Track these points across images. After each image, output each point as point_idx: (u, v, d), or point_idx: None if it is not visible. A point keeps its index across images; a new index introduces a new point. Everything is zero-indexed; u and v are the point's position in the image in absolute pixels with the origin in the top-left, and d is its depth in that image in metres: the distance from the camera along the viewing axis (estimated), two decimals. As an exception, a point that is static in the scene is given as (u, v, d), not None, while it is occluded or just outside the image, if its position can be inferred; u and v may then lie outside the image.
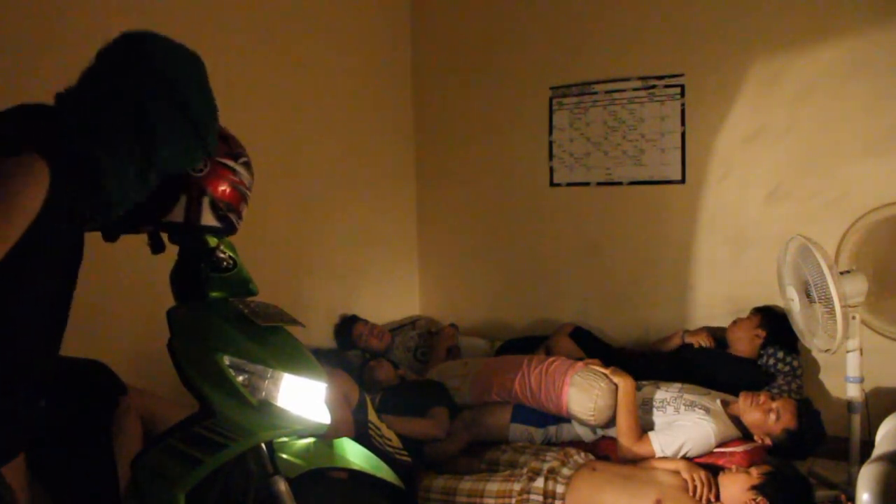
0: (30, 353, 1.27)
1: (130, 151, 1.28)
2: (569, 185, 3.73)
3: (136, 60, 1.31)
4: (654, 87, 3.47)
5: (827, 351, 2.59)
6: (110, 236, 1.41)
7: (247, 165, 1.60)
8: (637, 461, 2.45)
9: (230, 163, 1.55)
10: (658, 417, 2.56)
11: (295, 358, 1.59)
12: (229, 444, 1.47)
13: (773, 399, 2.48)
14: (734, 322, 3.15)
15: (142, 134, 1.28)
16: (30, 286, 1.22)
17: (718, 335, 3.21)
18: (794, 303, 2.68)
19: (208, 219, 1.53)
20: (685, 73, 3.39)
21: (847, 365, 2.65)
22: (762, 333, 3.05)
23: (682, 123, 3.42)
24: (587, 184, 3.68)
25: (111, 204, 1.30)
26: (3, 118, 1.26)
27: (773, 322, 3.03)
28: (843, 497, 2.51)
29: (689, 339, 3.21)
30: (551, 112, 3.74)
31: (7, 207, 1.10)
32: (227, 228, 1.60)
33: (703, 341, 3.16)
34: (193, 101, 1.35)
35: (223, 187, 1.54)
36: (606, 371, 2.64)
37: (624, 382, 2.57)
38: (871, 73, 3.01)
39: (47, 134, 1.22)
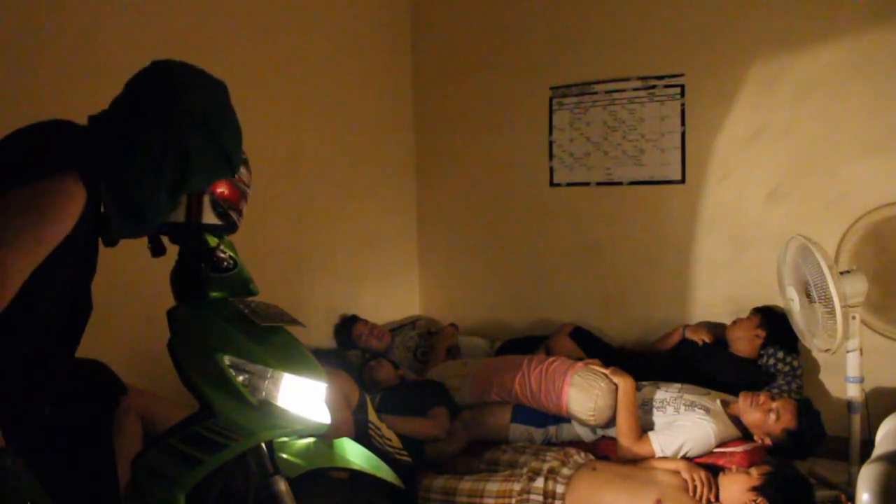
0: (44, 359, 1.29)
1: (166, 178, 1.32)
2: (569, 185, 3.73)
3: (169, 90, 1.33)
4: (654, 87, 3.47)
5: (827, 351, 2.59)
6: (110, 241, 1.42)
7: (245, 163, 1.60)
8: (637, 461, 2.45)
9: None
10: (658, 417, 2.56)
11: (295, 358, 1.59)
12: (229, 444, 1.47)
13: (773, 399, 2.48)
14: (734, 322, 3.16)
15: (178, 163, 1.32)
16: (49, 299, 1.25)
17: (718, 333, 3.22)
18: (794, 303, 2.68)
19: (209, 217, 1.54)
20: (685, 73, 3.39)
21: (847, 365, 2.65)
22: (762, 333, 3.05)
23: (682, 123, 3.42)
24: (587, 184, 3.68)
25: (143, 225, 1.35)
26: (38, 135, 1.29)
27: (773, 322, 3.03)
28: (843, 497, 2.51)
29: (689, 335, 3.21)
30: (551, 112, 3.74)
31: (44, 228, 1.14)
32: (229, 226, 1.60)
33: (704, 337, 3.16)
34: (222, 128, 1.39)
35: (223, 185, 1.54)
36: (606, 371, 2.64)
37: (624, 382, 2.57)
38: (871, 73, 3.01)
39: (85, 157, 1.25)
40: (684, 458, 2.42)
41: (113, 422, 1.58)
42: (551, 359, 2.85)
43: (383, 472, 1.89)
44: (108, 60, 2.28)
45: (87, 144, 1.28)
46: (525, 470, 2.35)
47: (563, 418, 2.73)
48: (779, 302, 2.93)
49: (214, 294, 1.61)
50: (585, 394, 2.60)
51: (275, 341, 1.59)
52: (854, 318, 2.59)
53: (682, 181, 3.44)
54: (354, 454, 1.86)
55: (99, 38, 2.30)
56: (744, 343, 3.07)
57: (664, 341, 3.32)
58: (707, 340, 3.15)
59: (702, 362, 3.04)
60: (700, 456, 2.44)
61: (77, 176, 1.19)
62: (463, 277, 4.09)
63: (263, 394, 1.53)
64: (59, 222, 1.16)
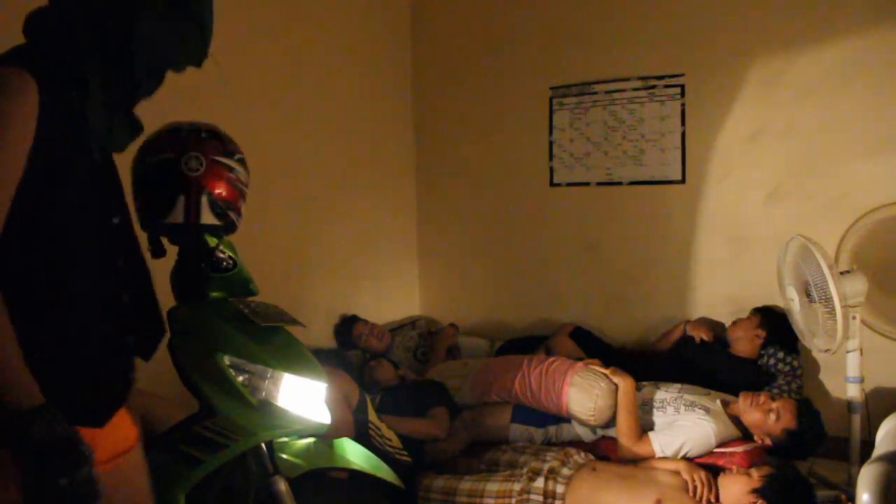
0: (97, 288, 1.20)
1: (115, 46, 1.18)
2: (569, 185, 3.73)
3: None
4: (654, 87, 3.47)
5: (827, 351, 2.59)
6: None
7: (242, 162, 1.60)
8: (637, 461, 2.45)
9: (226, 160, 1.56)
10: (658, 417, 2.56)
11: (295, 358, 1.60)
12: (229, 444, 1.47)
13: (773, 399, 2.48)
14: (734, 322, 3.15)
15: (124, 21, 1.18)
16: (72, 211, 1.15)
17: (718, 331, 3.22)
18: (794, 303, 2.68)
19: (208, 217, 1.53)
20: (685, 73, 3.39)
21: (847, 365, 2.65)
22: (762, 333, 3.05)
23: (682, 123, 3.42)
24: (587, 184, 3.68)
25: (102, 104, 1.20)
26: None
27: (773, 322, 3.03)
28: (843, 497, 2.50)
29: (690, 331, 3.21)
30: (551, 112, 3.74)
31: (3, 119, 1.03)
32: (228, 226, 1.60)
33: (704, 336, 3.16)
34: None
35: (221, 185, 1.54)
36: (606, 371, 2.64)
37: (624, 382, 2.57)
38: (872, 73, 3.00)
39: (25, 51, 1.15)
40: (684, 458, 2.42)
41: (113, 422, 1.58)
42: (551, 359, 2.85)
43: (383, 472, 1.90)
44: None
45: (27, 43, 1.18)
46: (525, 470, 2.35)
47: (563, 418, 2.73)
48: (779, 302, 2.93)
49: (214, 294, 1.61)
50: (585, 394, 2.60)
51: (275, 341, 1.59)
52: (854, 318, 2.59)
53: (682, 181, 3.44)
54: (354, 454, 1.86)
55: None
56: (744, 343, 3.07)
57: (666, 339, 3.32)
58: (706, 339, 3.15)
59: (702, 362, 3.04)
60: (700, 456, 2.44)
61: (19, 68, 1.06)
62: (463, 277, 4.09)
63: (263, 394, 1.53)
64: (15, 109, 1.04)
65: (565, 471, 2.32)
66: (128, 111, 1.27)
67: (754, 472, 2.20)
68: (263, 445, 1.55)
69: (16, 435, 1.02)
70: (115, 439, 1.25)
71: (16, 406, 1.02)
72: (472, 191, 4.01)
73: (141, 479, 1.31)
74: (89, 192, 1.19)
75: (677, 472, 2.32)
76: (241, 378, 1.51)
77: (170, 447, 1.48)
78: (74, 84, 1.15)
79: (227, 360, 1.51)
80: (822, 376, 3.14)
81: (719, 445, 2.46)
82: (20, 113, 1.05)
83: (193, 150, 1.52)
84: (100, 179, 1.23)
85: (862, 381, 2.64)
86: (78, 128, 1.15)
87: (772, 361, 3.03)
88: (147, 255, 1.47)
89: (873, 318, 2.85)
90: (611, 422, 2.59)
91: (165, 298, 1.61)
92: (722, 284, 3.39)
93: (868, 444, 2.37)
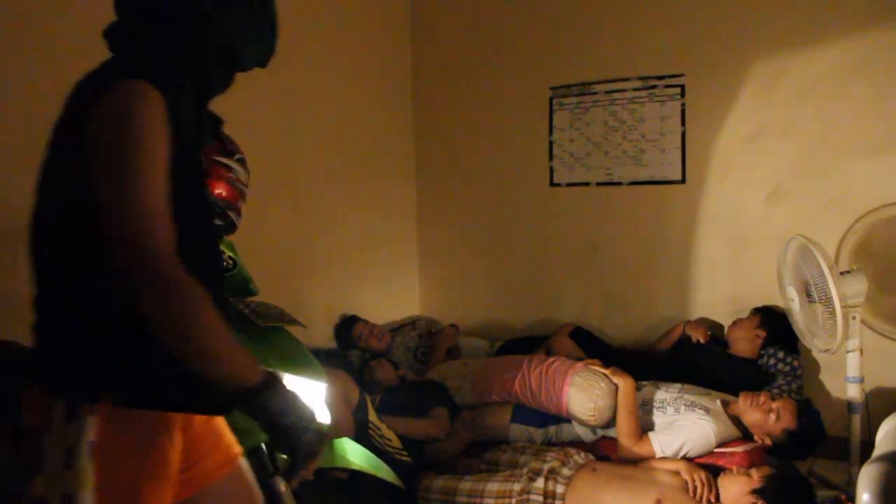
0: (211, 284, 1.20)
1: (190, 43, 1.21)
2: (569, 185, 3.73)
3: None
4: (654, 87, 3.47)
5: (827, 351, 2.59)
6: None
7: (242, 162, 1.60)
8: (637, 461, 2.45)
9: (226, 160, 1.56)
10: (658, 418, 2.56)
11: (295, 358, 1.60)
12: (229, 444, 1.47)
13: (773, 399, 2.48)
14: (734, 322, 3.15)
15: (199, 17, 1.20)
16: (200, 210, 1.20)
17: (717, 332, 3.21)
18: (794, 303, 2.68)
19: (208, 218, 1.53)
20: (685, 73, 3.39)
21: (847, 365, 2.64)
22: (762, 333, 3.05)
23: (683, 123, 3.42)
24: (587, 184, 3.68)
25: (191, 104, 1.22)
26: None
27: (773, 322, 3.03)
28: (843, 497, 2.50)
29: (688, 331, 3.21)
30: (551, 112, 3.74)
31: (144, 122, 1.05)
32: (228, 226, 1.60)
33: (700, 337, 3.16)
34: None
35: (221, 185, 1.54)
36: (606, 371, 2.64)
37: (624, 383, 2.57)
38: (872, 73, 3.01)
39: (120, 63, 1.17)
40: (684, 458, 2.42)
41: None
42: (551, 359, 2.85)
43: (383, 472, 1.90)
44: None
45: (127, 55, 1.19)
46: (525, 470, 2.35)
47: (563, 418, 2.73)
48: (779, 302, 2.93)
49: (214, 294, 1.61)
50: (585, 394, 2.60)
51: (275, 341, 1.59)
52: (854, 318, 2.59)
53: (683, 181, 3.44)
54: (354, 454, 1.87)
55: (99, 39, 2.29)
56: (744, 343, 3.07)
57: (665, 339, 3.32)
58: (702, 340, 3.15)
59: (702, 362, 3.04)
60: (700, 456, 2.44)
61: (139, 79, 1.08)
62: (463, 277, 4.09)
63: (263, 394, 1.52)
64: (149, 113, 1.06)
65: (565, 471, 2.32)
66: (206, 108, 1.29)
67: (754, 473, 2.19)
68: (263, 445, 1.55)
69: (255, 406, 1.10)
70: (230, 441, 1.32)
71: (250, 382, 1.09)
72: (472, 191, 4.01)
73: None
74: (203, 190, 1.24)
75: (677, 473, 2.31)
76: (240, 378, 1.51)
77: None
78: (173, 87, 1.16)
79: (227, 360, 1.51)
80: (822, 376, 3.14)
81: (719, 445, 2.46)
82: (157, 118, 1.07)
83: None
84: (202, 176, 1.28)
85: (862, 381, 2.64)
86: (181, 129, 1.16)
87: (772, 361, 3.03)
88: None
89: (873, 318, 2.86)
90: (611, 422, 2.59)
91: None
92: (722, 284, 3.39)
93: (868, 444, 2.37)
